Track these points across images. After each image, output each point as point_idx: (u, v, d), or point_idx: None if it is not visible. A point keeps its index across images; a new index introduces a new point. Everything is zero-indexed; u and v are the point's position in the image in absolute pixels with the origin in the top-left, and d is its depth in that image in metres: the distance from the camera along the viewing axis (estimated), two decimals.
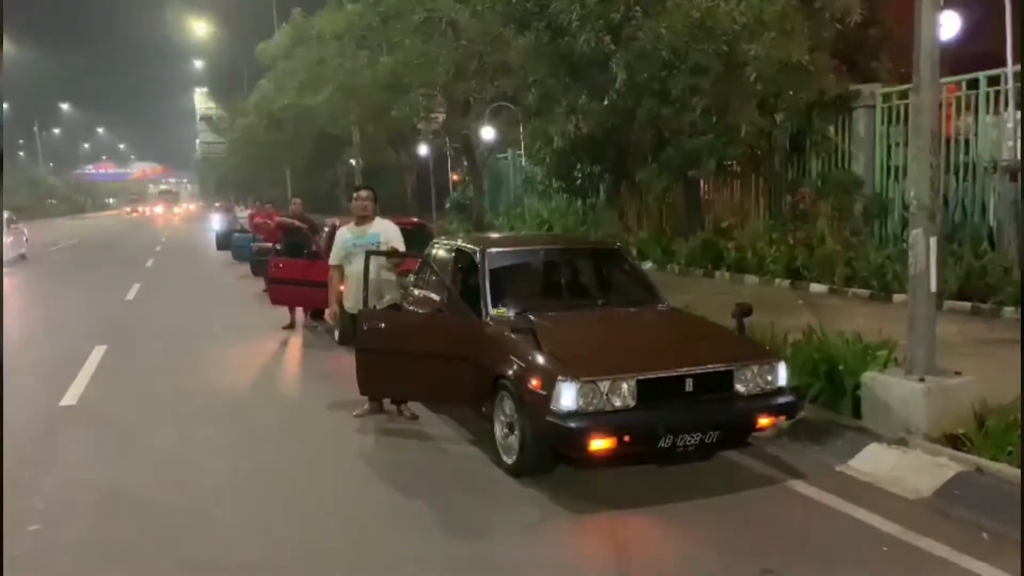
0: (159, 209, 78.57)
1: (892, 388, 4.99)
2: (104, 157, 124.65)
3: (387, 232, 6.35)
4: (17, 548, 4.00)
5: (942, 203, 10.35)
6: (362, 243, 6.18)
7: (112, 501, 4.65)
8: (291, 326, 10.32)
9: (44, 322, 11.68)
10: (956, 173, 10.62)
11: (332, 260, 6.51)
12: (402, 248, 6.31)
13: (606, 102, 8.68)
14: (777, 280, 11.25)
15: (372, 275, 5.89)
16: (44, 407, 6.74)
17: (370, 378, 5.75)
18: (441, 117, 16.95)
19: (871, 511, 4.21)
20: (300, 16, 21.12)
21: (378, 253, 6.04)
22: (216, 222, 31.58)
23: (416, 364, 5.52)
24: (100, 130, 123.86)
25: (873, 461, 4.76)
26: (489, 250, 5.98)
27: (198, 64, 58.65)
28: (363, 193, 6.49)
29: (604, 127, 9.87)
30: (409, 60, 13.02)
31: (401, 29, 12.94)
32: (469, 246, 6.26)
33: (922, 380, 4.88)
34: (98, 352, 8.92)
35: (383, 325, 5.70)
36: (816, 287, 10.51)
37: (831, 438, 5.13)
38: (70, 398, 7.02)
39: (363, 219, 6.37)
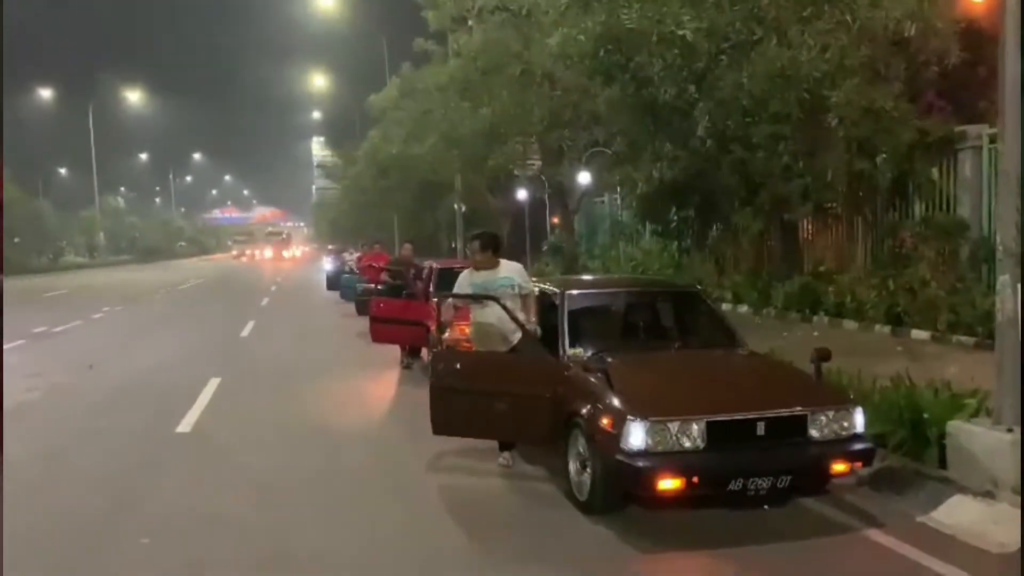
0: (269, 253, 76.18)
1: (979, 438, 4.84)
2: (229, 202, 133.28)
3: (516, 275, 6.13)
4: (130, 556, 4.48)
5: None
6: (490, 288, 5.97)
7: (216, 521, 5.06)
8: (408, 365, 10.61)
9: (167, 354, 12.67)
10: None
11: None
12: (531, 289, 6.08)
13: (691, 148, 8.83)
14: (877, 326, 10.88)
15: (494, 320, 5.88)
16: (162, 433, 7.37)
17: (443, 416, 5.83)
18: (537, 164, 17.44)
19: (952, 564, 4.10)
20: (408, 70, 22.28)
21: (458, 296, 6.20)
22: (328, 263, 33.27)
23: (492, 402, 5.62)
24: (227, 177, 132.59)
25: (957, 513, 4.61)
26: (568, 292, 6.19)
27: (316, 115, 62.36)
28: (474, 245, 6.21)
29: (689, 172, 9.99)
30: (507, 111, 13.56)
31: (499, 82, 13.53)
32: (550, 288, 6.49)
33: (1010, 431, 4.71)
34: (213, 384, 9.63)
35: (458, 365, 5.92)
36: (918, 333, 10.12)
37: (913, 488, 5.00)
38: (185, 425, 7.64)
39: (483, 266, 6.16)
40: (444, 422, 5.84)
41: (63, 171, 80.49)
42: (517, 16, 13.69)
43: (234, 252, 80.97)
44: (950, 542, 4.37)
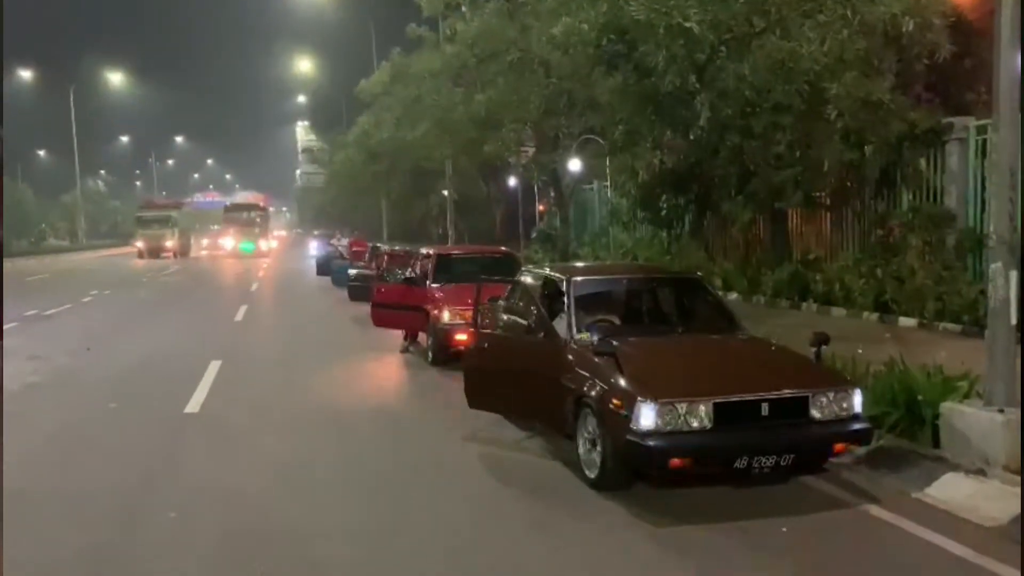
0: (229, 243, 45.09)
1: (971, 419, 5.07)
2: (211, 186, 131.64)
3: None
4: (159, 531, 4.62)
5: None
6: None
7: (236, 498, 5.21)
8: (406, 349, 10.86)
9: (162, 337, 12.73)
10: None
11: None
12: None
13: (691, 137, 9.03)
14: (865, 313, 11.14)
15: None
16: (171, 414, 7.48)
17: (474, 392, 6.47)
18: (531, 151, 17.55)
19: (944, 536, 4.33)
20: (399, 55, 22.24)
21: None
22: (315, 248, 33.16)
23: (512, 381, 6.03)
24: (209, 161, 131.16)
25: (950, 489, 4.85)
26: (575, 278, 6.36)
27: (301, 99, 61.91)
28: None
29: (688, 161, 10.19)
30: (502, 97, 13.66)
31: (495, 68, 13.62)
32: (556, 274, 6.66)
33: (1001, 411, 4.95)
34: (214, 366, 9.73)
35: (486, 345, 6.19)
36: (905, 321, 10.39)
37: (909, 466, 5.22)
38: (193, 406, 7.75)
39: None
40: (476, 398, 6.41)
41: (43, 154, 79.33)
42: (512, 2, 13.77)
43: (138, 244, 43.42)
44: (944, 516, 4.60)
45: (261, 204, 49.76)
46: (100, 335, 13.17)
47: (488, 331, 6.53)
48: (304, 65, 48.28)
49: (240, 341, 12.50)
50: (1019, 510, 4.41)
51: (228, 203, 50.73)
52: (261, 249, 43.03)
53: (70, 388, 8.88)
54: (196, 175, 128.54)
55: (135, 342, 12.28)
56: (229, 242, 44.93)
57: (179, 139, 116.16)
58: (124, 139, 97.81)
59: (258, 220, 46.68)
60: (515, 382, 5.91)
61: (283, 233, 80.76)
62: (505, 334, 6.46)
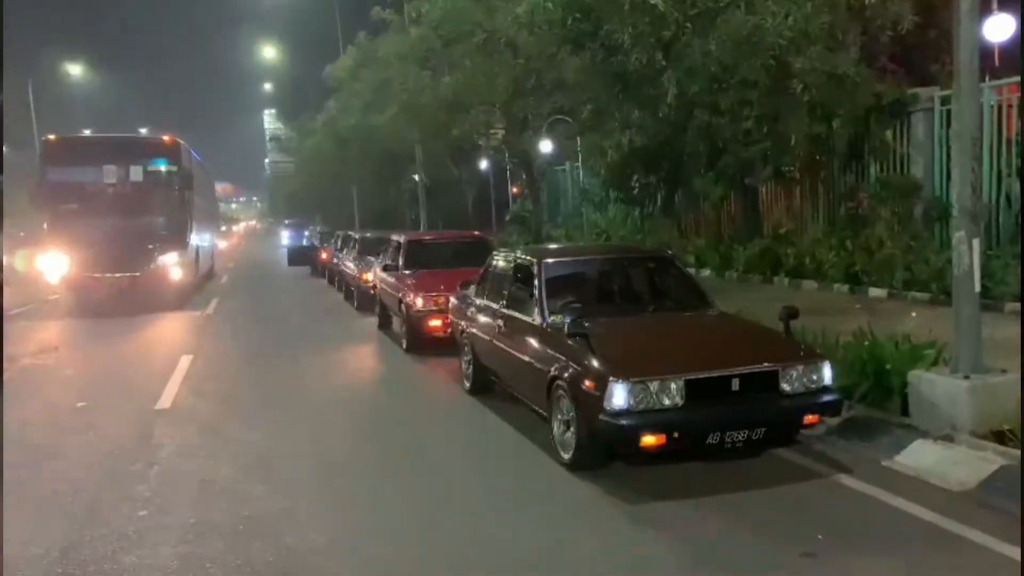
0: (50, 261, 15.46)
1: (938, 386, 5.14)
2: None
3: None
4: (130, 529, 4.54)
5: (1006, 204, 10.31)
6: None
7: (209, 492, 5.15)
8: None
9: (134, 335, 12.51)
10: (1021, 175, 10.48)
11: None
12: None
13: (659, 115, 9.04)
14: (836, 285, 11.28)
15: None
16: (142, 411, 7.35)
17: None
18: (500, 133, 17.42)
19: (914, 502, 4.41)
20: (365, 39, 21.92)
21: None
22: (286, 238, 32.78)
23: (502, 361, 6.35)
24: None
25: (918, 456, 4.92)
26: (545, 260, 6.35)
27: (267, 87, 60.85)
28: None
29: (658, 139, 10.18)
30: (470, 79, 13.51)
31: (462, 50, 13.45)
32: (526, 257, 6.64)
33: (967, 378, 5.03)
34: (185, 361, 9.59)
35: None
36: (875, 291, 10.52)
37: (878, 435, 5.30)
38: (164, 402, 7.63)
39: None
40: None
41: (3, 149, 77.34)
42: None
43: None
44: (913, 483, 4.68)
45: (168, 140, 16.72)
46: (68, 333, 12.93)
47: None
48: (269, 52, 47.40)
49: (211, 334, 12.34)
50: (986, 475, 4.49)
51: (50, 136, 18.09)
52: (170, 277, 16.25)
53: (37, 388, 8.71)
54: None
55: (104, 339, 12.07)
56: (53, 260, 16.12)
57: (143, 131, 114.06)
58: (87, 132, 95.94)
59: (152, 189, 16.29)
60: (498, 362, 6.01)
61: (254, 222, 78.67)
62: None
